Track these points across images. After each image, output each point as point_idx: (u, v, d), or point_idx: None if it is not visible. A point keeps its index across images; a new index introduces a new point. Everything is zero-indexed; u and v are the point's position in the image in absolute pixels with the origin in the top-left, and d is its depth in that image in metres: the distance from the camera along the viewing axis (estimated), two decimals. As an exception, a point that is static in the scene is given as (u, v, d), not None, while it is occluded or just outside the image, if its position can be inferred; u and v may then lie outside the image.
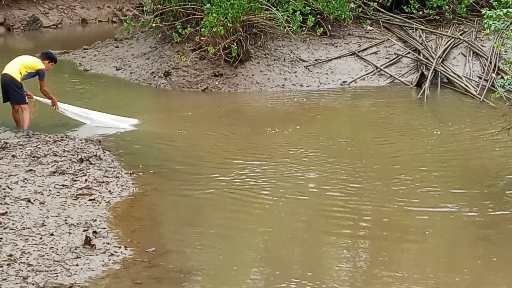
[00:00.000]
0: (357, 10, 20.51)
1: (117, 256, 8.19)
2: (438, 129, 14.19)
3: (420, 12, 20.88)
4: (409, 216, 9.83)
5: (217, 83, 17.55)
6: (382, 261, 8.57)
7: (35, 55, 13.73)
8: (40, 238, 8.41)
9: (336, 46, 19.72)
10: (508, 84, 11.11)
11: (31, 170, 10.63)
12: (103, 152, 11.88)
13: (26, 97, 13.08)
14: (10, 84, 12.96)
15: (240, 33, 17.49)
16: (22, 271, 7.58)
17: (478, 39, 19.68)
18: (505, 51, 17.45)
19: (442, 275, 8.16)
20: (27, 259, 7.85)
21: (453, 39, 19.62)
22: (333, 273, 8.29)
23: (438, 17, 20.86)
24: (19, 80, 12.95)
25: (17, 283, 7.34)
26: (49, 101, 13.50)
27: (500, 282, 8.14)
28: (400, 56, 19.34)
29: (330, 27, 19.87)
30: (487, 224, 9.60)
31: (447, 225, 9.62)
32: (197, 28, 17.78)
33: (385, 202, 10.27)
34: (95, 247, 8.28)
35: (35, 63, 13.14)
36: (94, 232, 8.67)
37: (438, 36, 20.02)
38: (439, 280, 8.03)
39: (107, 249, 8.29)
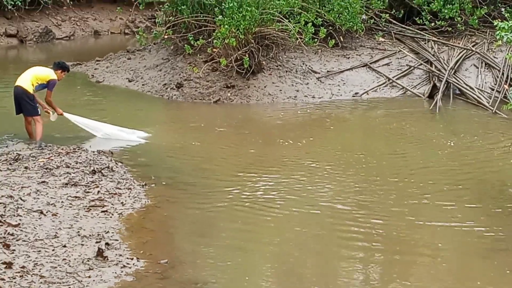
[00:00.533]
0: (369, 21, 20.53)
1: (130, 268, 8.18)
2: (451, 141, 14.13)
3: (432, 24, 20.89)
4: (421, 229, 9.78)
5: (229, 94, 17.57)
6: (395, 273, 8.53)
7: (48, 66, 13.76)
8: (53, 250, 8.41)
9: (348, 58, 19.73)
10: (521, 96, 11.08)
11: (43, 181, 10.65)
12: (116, 163, 11.88)
13: (38, 109, 13.12)
14: (23, 96, 12.99)
15: (252, 45, 17.51)
16: (35, 283, 7.59)
17: (490, 50, 19.66)
18: (518, 63, 17.43)
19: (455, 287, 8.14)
20: (39, 271, 7.86)
21: (465, 51, 19.60)
22: (345, 285, 8.26)
23: (450, 29, 20.86)
24: (31, 92, 12.99)
25: (29, 295, 7.36)
26: (56, 115, 13.48)
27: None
28: (412, 68, 19.33)
29: (342, 39, 19.90)
30: (501, 236, 9.54)
31: (460, 238, 9.56)
32: (209, 39, 17.82)
33: (397, 215, 10.22)
34: (108, 259, 8.28)
35: (47, 74, 13.17)
36: (107, 243, 8.67)
37: (450, 48, 20.01)
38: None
39: (119, 261, 8.29)
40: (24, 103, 13.01)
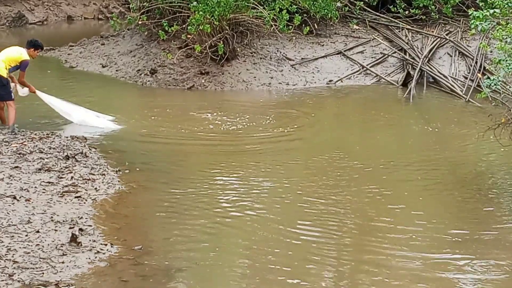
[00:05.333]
0: (343, 9, 20.52)
1: (103, 253, 8.17)
2: (426, 128, 14.19)
3: (406, 12, 20.94)
4: (396, 219, 9.81)
5: (203, 81, 17.54)
6: (368, 262, 8.55)
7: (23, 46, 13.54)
8: (26, 235, 8.38)
9: (323, 45, 19.74)
10: (494, 85, 11.13)
11: (16, 167, 10.60)
12: (89, 149, 11.85)
13: (12, 94, 13.01)
14: (-4, 81, 12.92)
15: (226, 31, 17.49)
16: (8, 268, 7.56)
17: (464, 39, 19.74)
18: (491, 51, 17.48)
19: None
20: (12, 256, 7.83)
21: (439, 39, 19.68)
22: (318, 277, 8.28)
23: (424, 17, 20.92)
24: (5, 76, 12.87)
25: (2, 280, 7.31)
26: (26, 89, 13.38)
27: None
28: (386, 56, 19.37)
29: (316, 26, 19.90)
30: (472, 221, 9.61)
31: (435, 228, 9.59)
32: (184, 26, 17.77)
33: (371, 203, 10.26)
34: (81, 245, 8.26)
35: (19, 55, 13.02)
36: (80, 229, 8.65)
37: (424, 36, 20.08)
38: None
39: (93, 247, 8.27)
40: (-2, 88, 12.94)
